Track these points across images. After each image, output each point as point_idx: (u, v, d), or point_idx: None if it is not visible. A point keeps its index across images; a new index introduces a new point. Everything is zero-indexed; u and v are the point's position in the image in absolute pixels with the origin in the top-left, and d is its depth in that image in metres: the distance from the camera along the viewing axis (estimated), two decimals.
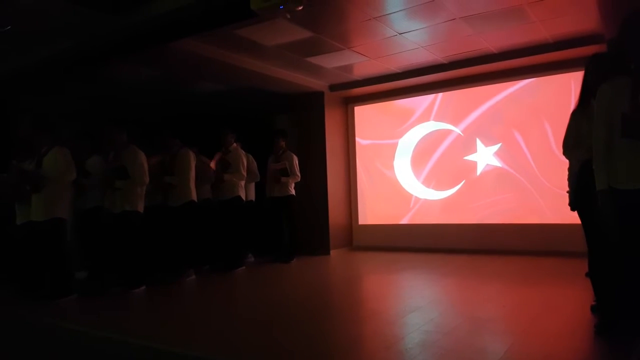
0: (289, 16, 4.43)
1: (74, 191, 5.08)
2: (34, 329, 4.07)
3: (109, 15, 4.39)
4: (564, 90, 6.17)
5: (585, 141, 2.85)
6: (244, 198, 6.34)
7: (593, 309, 3.31)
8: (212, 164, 6.39)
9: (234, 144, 6.38)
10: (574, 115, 3.07)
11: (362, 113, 8.15)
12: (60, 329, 3.86)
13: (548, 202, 6.32)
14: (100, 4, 4.19)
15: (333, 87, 7.69)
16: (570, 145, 3.05)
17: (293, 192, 6.84)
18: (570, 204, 3.16)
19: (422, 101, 7.53)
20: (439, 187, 7.37)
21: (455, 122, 7.22)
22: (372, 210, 8.02)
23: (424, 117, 7.51)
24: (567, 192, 3.21)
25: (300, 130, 7.86)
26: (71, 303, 4.65)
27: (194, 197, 5.83)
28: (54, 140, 4.85)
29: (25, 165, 5.00)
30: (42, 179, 4.63)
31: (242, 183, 6.33)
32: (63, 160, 4.74)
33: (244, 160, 6.34)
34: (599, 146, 2.43)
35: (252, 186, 7.04)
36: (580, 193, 2.97)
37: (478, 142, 7.01)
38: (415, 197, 7.59)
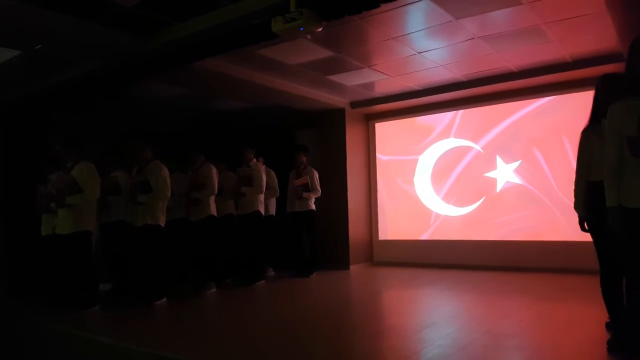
0: (309, 37, 4.61)
1: (98, 205, 5.25)
2: (60, 339, 4.20)
3: (133, 37, 4.59)
4: (583, 107, 6.01)
5: (597, 160, 2.90)
6: (262, 213, 6.46)
7: (608, 326, 3.31)
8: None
9: (254, 160, 6.53)
10: (585, 133, 3.12)
11: (383, 129, 8.25)
12: (82, 339, 3.97)
13: (568, 219, 6.26)
14: (126, 26, 4.39)
15: (354, 104, 7.81)
16: (582, 164, 3.10)
17: (314, 207, 6.93)
18: (580, 224, 3.18)
19: (442, 118, 7.59)
20: (459, 203, 7.39)
21: (475, 139, 7.26)
22: (392, 226, 8.07)
23: (445, 134, 7.56)
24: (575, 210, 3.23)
25: (321, 146, 7.99)
26: (95, 314, 4.78)
27: (214, 212, 5.97)
28: (80, 155, 5.02)
29: (53, 177, 5.22)
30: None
31: (262, 198, 6.45)
32: (88, 174, 4.90)
33: (263, 175, 6.46)
34: (610, 164, 2.48)
35: (273, 201, 7.15)
36: (591, 213, 3.01)
37: (498, 159, 7.03)
38: (436, 213, 7.61)
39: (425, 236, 7.68)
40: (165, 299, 5.22)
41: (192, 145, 6.28)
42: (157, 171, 5.23)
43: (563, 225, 6.39)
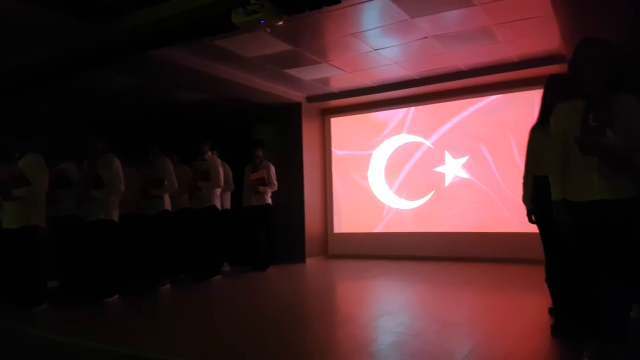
0: (269, 30, 4.62)
1: (47, 198, 5.05)
2: (6, 337, 4.04)
3: (88, 23, 4.44)
4: (528, 106, 6.48)
5: (544, 156, 3.08)
6: (219, 207, 6.41)
7: (551, 311, 3.54)
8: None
9: (209, 153, 6.46)
10: (534, 131, 3.29)
11: (339, 124, 8.36)
12: (32, 337, 3.85)
13: (512, 212, 6.61)
14: (80, 12, 4.23)
15: (310, 99, 7.88)
16: (530, 160, 3.28)
17: (270, 201, 6.94)
18: (528, 216, 3.36)
19: (395, 114, 7.79)
20: (410, 197, 7.61)
21: (425, 135, 7.50)
22: (347, 219, 8.21)
23: (397, 130, 7.76)
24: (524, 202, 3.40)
25: (277, 140, 8.00)
26: (44, 312, 4.60)
27: (168, 206, 5.87)
28: (28, 146, 4.81)
29: None
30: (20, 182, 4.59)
31: (218, 192, 6.40)
32: (36, 166, 4.72)
33: (221, 169, 6.42)
34: (554, 160, 2.65)
35: (228, 195, 7.12)
36: (538, 206, 3.20)
37: (447, 154, 7.30)
38: (388, 206, 7.81)
39: (378, 229, 7.87)
40: (117, 296, 5.09)
41: (144, 137, 6.13)
42: (109, 165, 5.09)
43: (507, 217, 6.73)
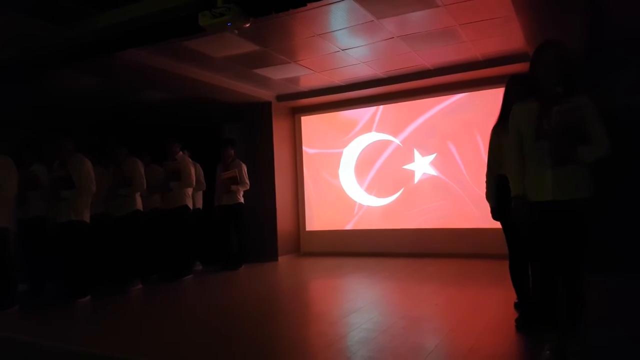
0: (236, 32, 4.63)
1: (16, 200, 4.99)
2: None
3: (52, 25, 4.37)
4: (493, 104, 6.52)
5: (505, 155, 3.19)
6: (191, 207, 6.41)
7: (516, 306, 3.65)
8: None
9: (180, 153, 6.44)
10: (495, 130, 3.38)
11: (309, 123, 8.42)
12: (2, 341, 3.81)
13: (479, 208, 6.79)
14: (45, 14, 4.17)
15: (280, 98, 7.90)
16: (492, 159, 3.38)
17: (242, 200, 6.95)
18: (492, 213, 3.46)
19: (364, 113, 7.89)
20: (380, 194, 7.74)
21: (394, 133, 7.62)
22: (318, 217, 8.29)
23: (367, 128, 7.87)
24: (487, 200, 3.50)
25: (248, 139, 8.01)
26: (15, 314, 4.57)
27: (140, 206, 5.84)
28: None
29: None
30: None
31: (190, 192, 6.40)
32: (5, 168, 4.66)
33: (192, 168, 6.41)
34: (513, 161, 2.75)
35: (200, 195, 7.10)
36: (501, 203, 3.30)
37: (415, 152, 7.44)
38: (359, 204, 7.92)
39: (349, 226, 7.97)
40: (88, 297, 5.07)
41: (113, 137, 6.06)
42: (80, 165, 5.06)
43: (474, 213, 6.91)
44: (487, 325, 3.46)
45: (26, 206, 5.24)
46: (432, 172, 7.31)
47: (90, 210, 5.27)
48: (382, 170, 7.73)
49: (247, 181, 6.98)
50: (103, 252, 5.76)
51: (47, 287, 5.41)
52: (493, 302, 4.20)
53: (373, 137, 7.81)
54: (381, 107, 7.75)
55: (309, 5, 3.97)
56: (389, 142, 7.67)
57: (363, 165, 7.88)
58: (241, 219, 6.94)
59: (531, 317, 3.19)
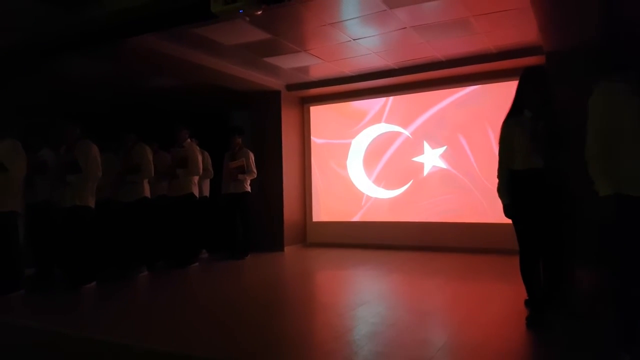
0: (248, 19, 4.58)
1: (24, 184, 4.99)
2: None
3: (62, 10, 4.34)
4: (505, 97, 6.45)
5: (517, 149, 3.14)
6: (197, 195, 6.39)
7: (526, 303, 3.57)
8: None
9: (188, 140, 6.42)
10: (506, 124, 3.27)
11: (318, 113, 8.36)
12: (7, 325, 3.83)
13: (489, 202, 6.74)
14: None
15: (290, 87, 7.84)
16: (504, 153, 3.29)
17: (249, 188, 6.93)
18: (504, 210, 3.30)
19: (374, 104, 7.82)
20: (388, 186, 7.69)
21: (404, 125, 7.55)
22: (325, 208, 8.25)
23: (376, 119, 7.80)
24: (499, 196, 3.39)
25: (256, 128, 7.97)
26: (21, 298, 4.59)
27: (147, 193, 5.84)
28: (5, 133, 4.75)
29: None
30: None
31: (196, 179, 6.39)
32: (14, 152, 4.67)
33: (199, 156, 6.39)
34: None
35: (207, 182, 7.10)
36: (513, 199, 3.21)
37: (425, 144, 7.37)
38: (367, 195, 7.87)
39: (356, 218, 7.94)
40: (94, 283, 5.08)
41: (122, 124, 6.05)
42: (86, 150, 5.04)
43: (484, 207, 6.85)
44: (496, 320, 3.43)
45: (34, 190, 5.25)
46: (442, 164, 7.24)
47: (98, 195, 5.28)
48: (391, 162, 7.67)
49: (254, 169, 6.96)
50: (109, 238, 5.77)
51: (54, 272, 5.42)
52: (502, 297, 4.16)
53: (382, 128, 7.74)
54: (391, 98, 7.67)
55: None
56: (398, 134, 7.60)
57: (372, 157, 7.83)
58: (247, 208, 6.92)
59: (542, 314, 3.13)
